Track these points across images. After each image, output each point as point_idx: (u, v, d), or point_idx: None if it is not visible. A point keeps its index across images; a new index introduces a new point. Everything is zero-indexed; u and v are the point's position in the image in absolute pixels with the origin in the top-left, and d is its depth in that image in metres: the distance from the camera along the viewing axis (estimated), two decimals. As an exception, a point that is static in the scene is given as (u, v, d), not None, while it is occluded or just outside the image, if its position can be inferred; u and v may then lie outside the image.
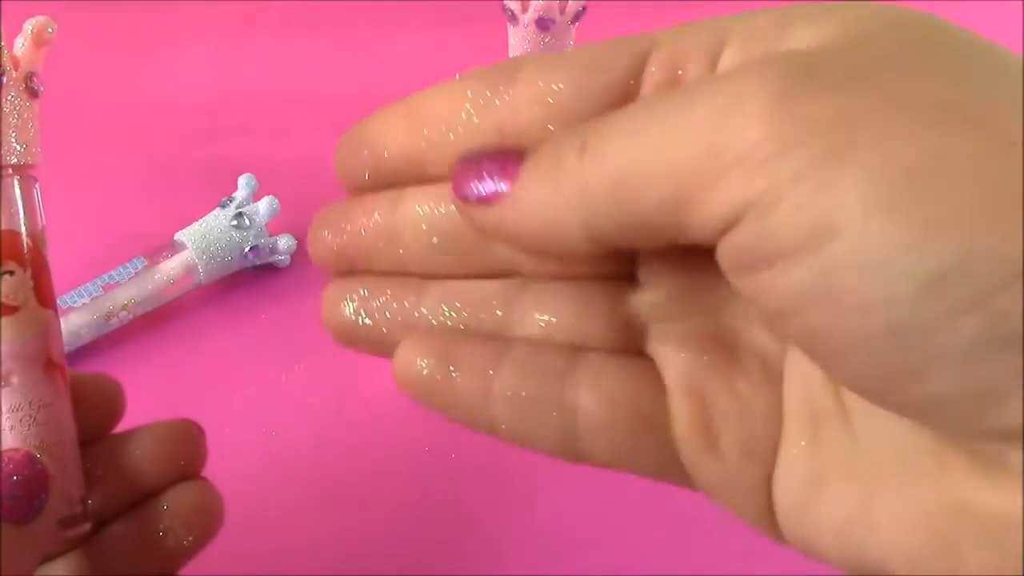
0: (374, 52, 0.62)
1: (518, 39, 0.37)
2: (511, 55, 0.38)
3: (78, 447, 0.21)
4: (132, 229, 0.48)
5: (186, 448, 0.25)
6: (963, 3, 0.66)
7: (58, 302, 0.41)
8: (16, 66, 0.18)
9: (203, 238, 0.43)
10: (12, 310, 0.18)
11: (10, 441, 0.19)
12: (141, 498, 0.23)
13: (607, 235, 0.16)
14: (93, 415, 0.23)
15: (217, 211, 0.44)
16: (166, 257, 0.43)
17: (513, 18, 0.37)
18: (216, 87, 0.59)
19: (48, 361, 0.20)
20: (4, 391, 0.19)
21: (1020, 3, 0.65)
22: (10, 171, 0.18)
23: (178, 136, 0.55)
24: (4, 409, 0.19)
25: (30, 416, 0.19)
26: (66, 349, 0.41)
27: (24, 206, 0.19)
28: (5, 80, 0.17)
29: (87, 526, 0.21)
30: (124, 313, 0.42)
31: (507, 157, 0.17)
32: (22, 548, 0.19)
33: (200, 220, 0.44)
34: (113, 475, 0.22)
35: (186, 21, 0.65)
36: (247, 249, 0.44)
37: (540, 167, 0.16)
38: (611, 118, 0.16)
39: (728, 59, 0.16)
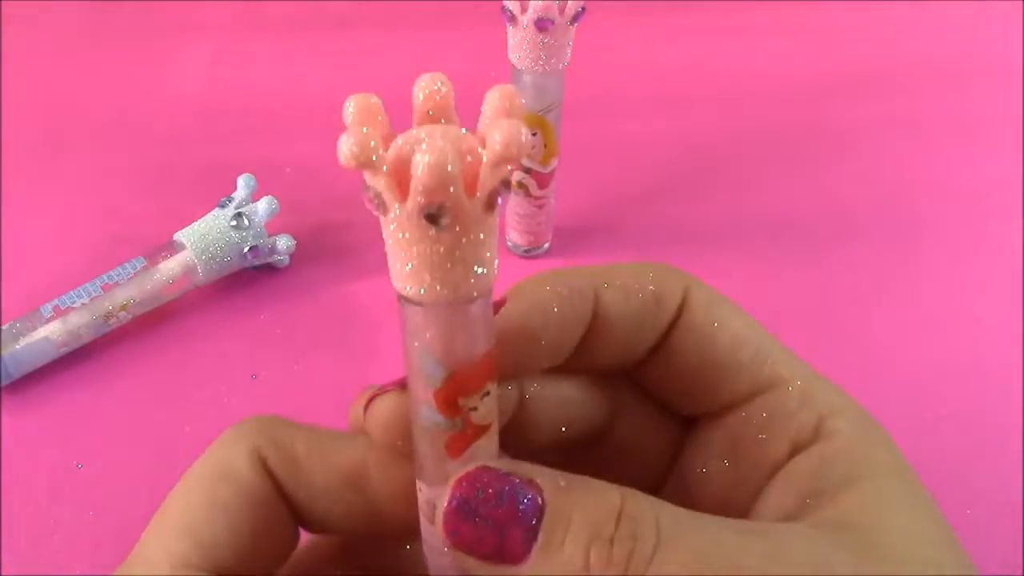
0: (374, 52, 0.62)
1: (517, 40, 0.37)
2: (510, 56, 0.38)
3: None
4: (131, 229, 0.48)
5: None
6: (963, 3, 0.66)
7: (58, 302, 0.41)
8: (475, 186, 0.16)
9: (202, 238, 0.43)
10: (484, 430, 0.18)
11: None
12: None
13: None
14: None
15: (216, 211, 0.44)
16: (165, 257, 0.43)
17: (512, 19, 0.37)
18: (216, 87, 0.59)
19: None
20: None
21: (1020, 3, 0.65)
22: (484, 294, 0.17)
23: (178, 136, 0.55)
24: None
25: None
26: (65, 349, 0.41)
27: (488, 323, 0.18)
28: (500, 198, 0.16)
29: None
30: (123, 313, 0.42)
31: (515, 522, 0.17)
32: None
33: (199, 220, 0.44)
34: None
35: (186, 21, 0.65)
36: (246, 249, 0.44)
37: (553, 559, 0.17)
38: None
39: None
